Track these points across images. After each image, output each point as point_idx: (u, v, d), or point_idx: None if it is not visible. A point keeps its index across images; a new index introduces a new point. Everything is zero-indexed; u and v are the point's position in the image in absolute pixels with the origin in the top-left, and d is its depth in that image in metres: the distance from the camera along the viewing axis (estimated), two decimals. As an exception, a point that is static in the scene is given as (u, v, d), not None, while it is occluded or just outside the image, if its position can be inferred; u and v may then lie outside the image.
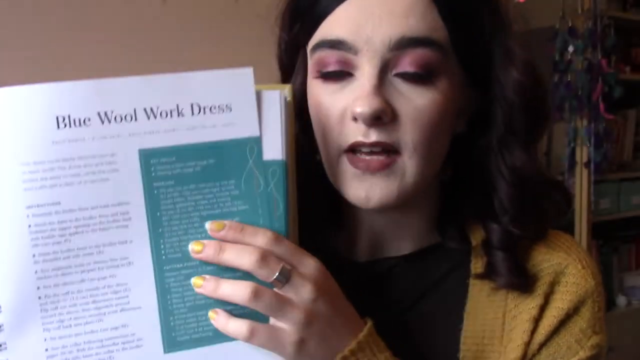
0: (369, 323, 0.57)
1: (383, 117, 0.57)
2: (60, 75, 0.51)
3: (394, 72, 0.59)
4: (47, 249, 0.50)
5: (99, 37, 1.75)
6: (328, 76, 0.61)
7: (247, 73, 0.53)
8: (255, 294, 0.51)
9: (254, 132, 0.53)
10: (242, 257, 0.52)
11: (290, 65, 0.69)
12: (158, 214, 0.52)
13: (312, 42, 0.62)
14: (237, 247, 0.52)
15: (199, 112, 0.52)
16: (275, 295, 0.52)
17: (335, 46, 0.59)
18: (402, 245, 0.68)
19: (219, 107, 0.52)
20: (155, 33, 1.83)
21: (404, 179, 0.60)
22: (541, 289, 0.64)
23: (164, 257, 0.53)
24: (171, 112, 0.51)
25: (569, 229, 2.49)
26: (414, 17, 0.58)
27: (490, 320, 0.64)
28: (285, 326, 0.52)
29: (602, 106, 2.30)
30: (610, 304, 2.74)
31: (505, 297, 0.64)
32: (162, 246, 0.52)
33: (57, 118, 0.49)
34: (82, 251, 0.51)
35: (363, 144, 0.59)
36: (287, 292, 0.52)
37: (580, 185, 2.45)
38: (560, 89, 2.31)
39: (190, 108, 0.52)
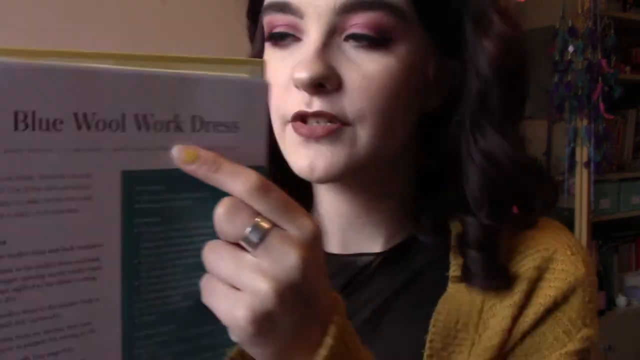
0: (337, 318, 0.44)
1: (326, 84, 0.53)
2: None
3: (343, 35, 0.54)
4: None
5: (98, 37, 1.75)
6: (277, 39, 0.57)
7: (263, 87, 0.41)
8: (209, 250, 0.40)
9: (260, 161, 0.41)
10: None
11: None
12: (136, 261, 0.38)
13: (263, 7, 0.58)
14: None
15: (200, 129, 0.39)
16: (231, 253, 0.39)
17: (282, 9, 0.55)
18: (374, 236, 0.63)
19: (225, 124, 0.40)
20: (155, 33, 1.83)
21: (354, 149, 0.54)
22: (526, 274, 0.59)
23: (136, 320, 0.39)
24: (168, 125, 0.38)
25: (569, 229, 2.50)
26: None
27: (467, 305, 0.59)
28: (246, 297, 0.39)
29: (602, 106, 2.30)
30: (610, 304, 2.74)
31: None
32: (135, 305, 0.38)
33: (17, 115, 0.33)
34: (29, 315, 0.34)
35: (305, 114, 0.54)
36: (260, 257, 0.39)
37: (580, 185, 2.45)
38: (560, 89, 2.31)
39: (190, 122, 0.39)
